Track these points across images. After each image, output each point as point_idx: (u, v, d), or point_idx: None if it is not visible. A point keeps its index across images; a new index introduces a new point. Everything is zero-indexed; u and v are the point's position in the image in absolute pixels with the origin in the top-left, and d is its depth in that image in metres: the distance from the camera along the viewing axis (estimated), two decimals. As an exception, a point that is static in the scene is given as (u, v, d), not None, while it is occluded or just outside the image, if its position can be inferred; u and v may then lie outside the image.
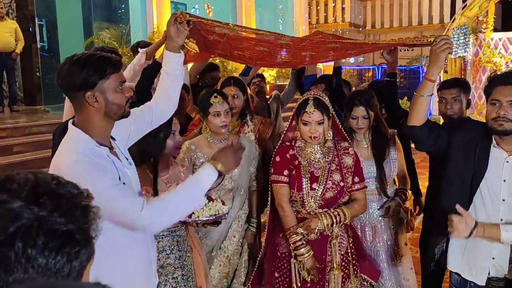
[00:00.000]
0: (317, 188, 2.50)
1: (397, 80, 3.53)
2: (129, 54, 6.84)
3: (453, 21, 9.76)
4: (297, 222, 2.52)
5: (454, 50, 9.70)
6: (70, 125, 1.80)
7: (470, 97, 3.19)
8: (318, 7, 14.11)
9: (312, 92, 2.58)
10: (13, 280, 0.70)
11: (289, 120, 2.66)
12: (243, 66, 4.11)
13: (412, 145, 2.61)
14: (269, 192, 2.70)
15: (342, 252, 2.56)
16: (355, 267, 2.60)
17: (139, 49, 3.17)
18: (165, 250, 2.46)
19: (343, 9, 13.81)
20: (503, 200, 2.13)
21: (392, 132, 2.97)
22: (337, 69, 3.87)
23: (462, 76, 9.21)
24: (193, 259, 2.61)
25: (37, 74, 8.71)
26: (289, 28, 12.55)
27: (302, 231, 2.47)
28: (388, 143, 2.93)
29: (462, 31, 9.40)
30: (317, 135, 2.48)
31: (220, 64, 6.75)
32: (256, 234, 3.03)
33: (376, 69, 13.10)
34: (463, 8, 9.89)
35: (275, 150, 2.66)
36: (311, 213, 2.51)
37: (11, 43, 7.55)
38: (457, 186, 2.23)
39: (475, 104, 9.17)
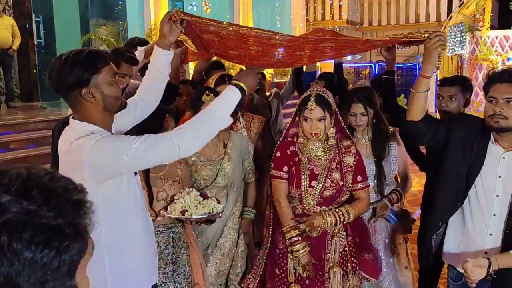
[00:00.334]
0: (315, 186, 2.49)
1: (395, 77, 3.54)
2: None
3: (450, 19, 9.80)
4: (294, 218, 2.52)
5: (451, 47, 9.75)
6: (71, 119, 1.81)
7: (469, 96, 3.19)
8: (316, 5, 14.12)
9: (315, 89, 2.55)
10: None
11: (291, 116, 2.65)
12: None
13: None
14: (270, 188, 2.69)
15: (340, 250, 2.56)
16: (353, 265, 2.60)
17: (138, 47, 3.16)
18: (160, 246, 2.48)
19: (340, 6, 13.83)
20: (497, 195, 2.16)
21: (394, 130, 2.96)
22: (338, 66, 3.86)
23: (458, 73, 9.25)
24: (190, 256, 2.62)
25: (34, 70, 8.70)
26: (286, 26, 12.55)
27: (304, 228, 2.47)
28: (389, 142, 2.92)
29: (459, 29, 9.45)
30: (318, 131, 2.47)
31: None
32: (252, 223, 3.02)
33: (373, 66, 13.12)
34: (460, 6, 9.93)
35: (276, 146, 2.65)
36: (310, 210, 2.51)
37: (8, 40, 7.53)
38: (453, 180, 2.26)
39: (471, 101, 9.18)
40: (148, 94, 2.14)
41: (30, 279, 0.72)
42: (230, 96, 1.91)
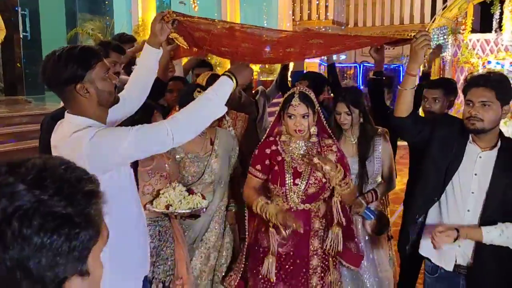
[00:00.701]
0: (299, 183, 2.52)
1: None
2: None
3: (433, 22, 9.94)
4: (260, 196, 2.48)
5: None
6: (67, 114, 1.85)
7: (453, 98, 3.31)
8: (302, 4, 14.17)
9: (298, 87, 2.60)
10: (9, 257, 0.76)
11: (276, 115, 2.68)
12: (226, 61, 4.15)
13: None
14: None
15: (321, 245, 2.57)
16: (334, 259, 2.63)
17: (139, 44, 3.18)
18: None
19: (326, 6, 13.90)
20: (472, 192, 2.28)
21: (382, 130, 3.02)
22: (331, 66, 3.95)
23: (441, 75, 9.40)
24: (175, 250, 2.66)
25: (18, 64, 8.60)
26: (273, 25, 12.56)
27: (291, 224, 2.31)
28: (373, 142, 2.97)
29: (441, 32, 9.59)
30: (302, 128, 2.50)
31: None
32: (237, 218, 3.04)
33: (358, 66, 13.24)
34: (443, 9, 10.08)
35: (259, 144, 2.68)
36: (294, 208, 2.52)
37: (-8, 33, 7.44)
38: (432, 176, 2.39)
39: (453, 103, 9.33)
40: (135, 90, 2.18)
41: (39, 262, 0.78)
42: (225, 86, 1.95)
